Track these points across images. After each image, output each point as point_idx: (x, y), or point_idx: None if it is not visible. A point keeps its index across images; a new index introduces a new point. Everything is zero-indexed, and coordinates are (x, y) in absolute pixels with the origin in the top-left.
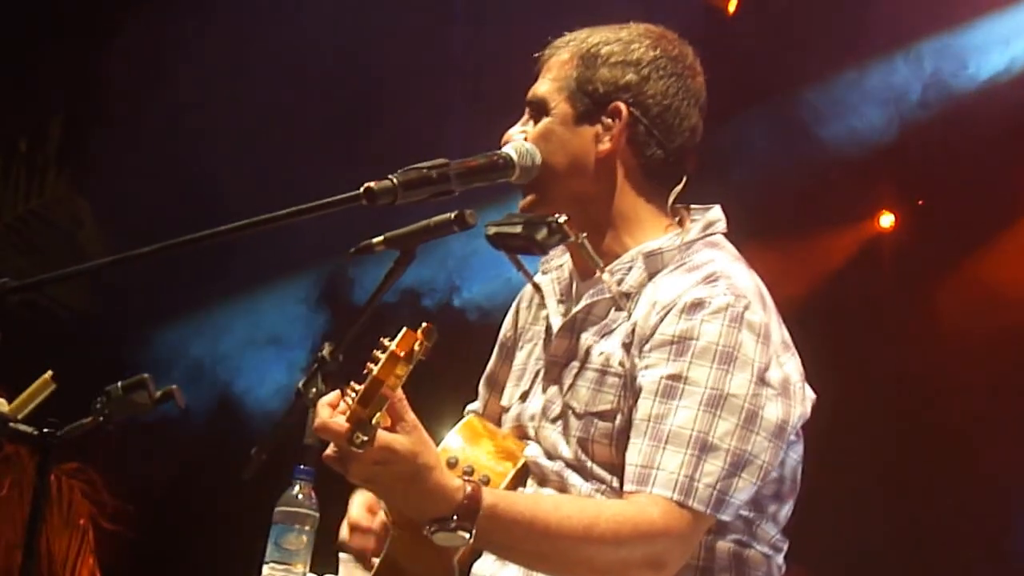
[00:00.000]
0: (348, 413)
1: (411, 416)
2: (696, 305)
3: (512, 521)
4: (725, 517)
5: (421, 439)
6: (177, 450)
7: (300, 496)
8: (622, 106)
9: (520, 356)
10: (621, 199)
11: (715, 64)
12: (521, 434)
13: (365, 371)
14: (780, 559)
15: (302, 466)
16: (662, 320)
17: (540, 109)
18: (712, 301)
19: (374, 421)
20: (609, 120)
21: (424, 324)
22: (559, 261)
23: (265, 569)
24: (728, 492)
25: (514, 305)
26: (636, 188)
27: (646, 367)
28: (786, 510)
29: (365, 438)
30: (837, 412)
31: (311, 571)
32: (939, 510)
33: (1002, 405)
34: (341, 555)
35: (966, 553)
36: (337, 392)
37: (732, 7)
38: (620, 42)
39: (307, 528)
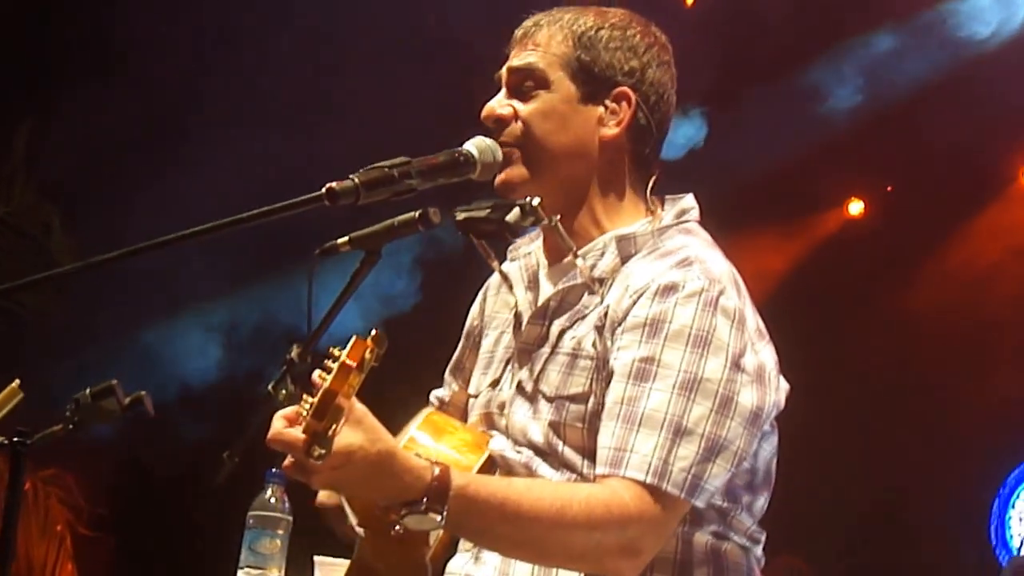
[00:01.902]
0: (304, 426)
1: (357, 407)
2: (670, 288)
3: (483, 502)
4: (699, 503)
5: (372, 427)
6: (152, 453)
7: (273, 500)
8: (629, 91)
9: (487, 343)
10: (609, 185)
11: (678, 56)
12: (489, 422)
13: (317, 382)
14: (759, 551)
15: (274, 469)
16: (635, 303)
17: (535, 81)
18: (686, 285)
19: (330, 433)
20: (614, 104)
21: (373, 331)
22: (527, 248)
23: (240, 574)
24: (702, 477)
25: (480, 293)
26: (625, 175)
27: (618, 349)
28: (761, 502)
29: (324, 451)
30: (810, 399)
31: (286, 575)
32: (914, 491)
33: (973, 386)
34: (316, 558)
35: (939, 532)
36: (295, 408)
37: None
38: (615, 27)
39: (280, 532)
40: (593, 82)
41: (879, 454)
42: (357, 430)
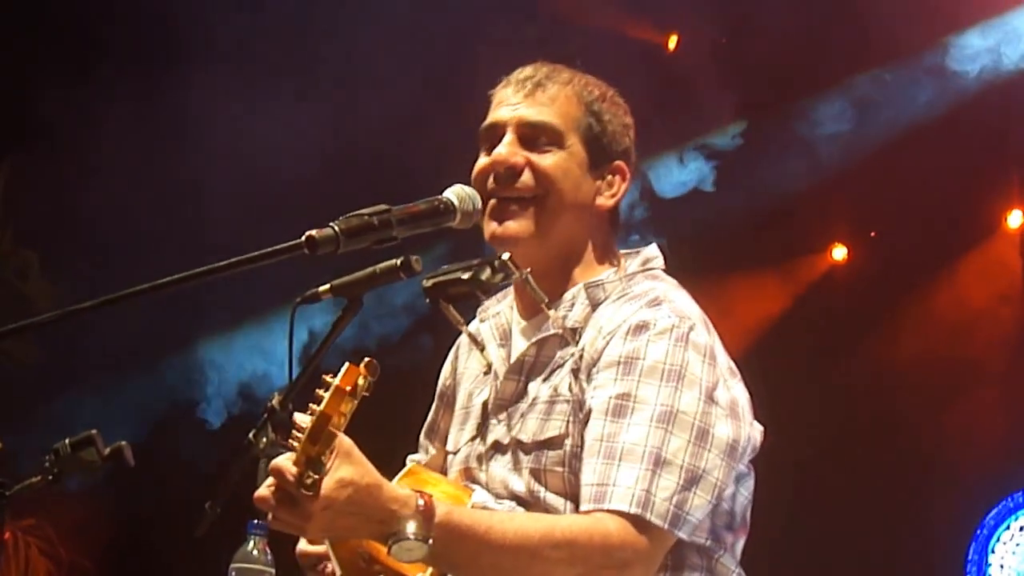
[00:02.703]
0: (297, 453)
1: (345, 441)
2: (641, 327)
3: (468, 529)
4: (682, 534)
5: (360, 459)
6: (132, 503)
7: (255, 552)
8: (624, 167)
9: (461, 398)
10: (591, 249)
11: (660, 100)
12: (469, 477)
13: (310, 411)
14: None
15: (256, 521)
16: (608, 344)
17: (547, 138)
18: (657, 322)
19: (324, 459)
20: (611, 177)
21: (366, 359)
22: (496, 308)
23: None
24: (684, 508)
25: (451, 354)
26: (604, 238)
27: (594, 388)
28: (739, 544)
29: (316, 477)
30: (793, 443)
31: None
32: (899, 532)
33: (956, 430)
34: None
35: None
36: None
37: (672, 44)
38: (614, 102)
39: None
40: (599, 152)
41: (860, 499)
42: (347, 463)
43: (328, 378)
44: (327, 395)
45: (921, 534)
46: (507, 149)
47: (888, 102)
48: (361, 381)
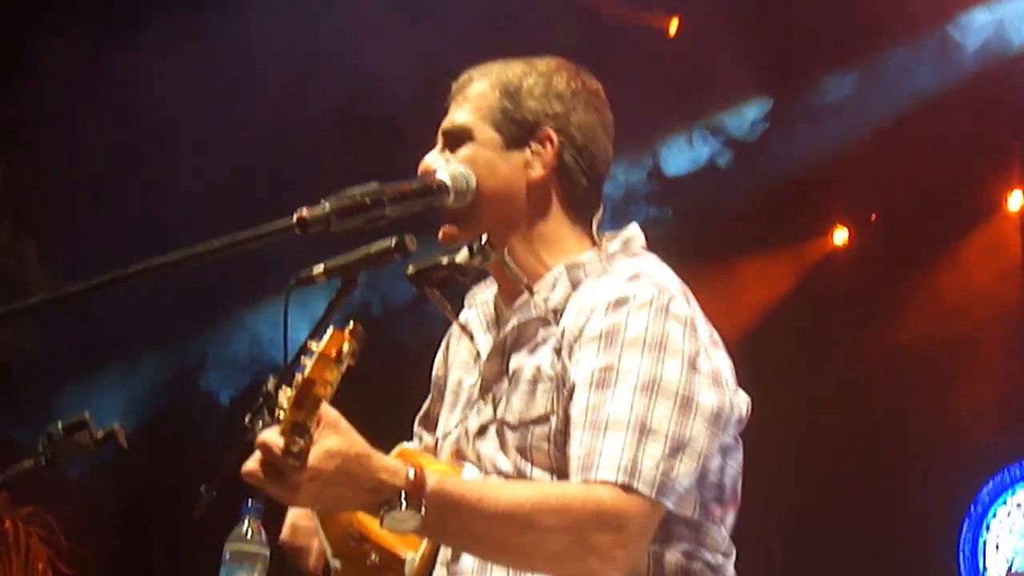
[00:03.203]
0: (283, 422)
1: (330, 412)
2: (621, 301)
3: (460, 497)
4: (669, 503)
5: (347, 429)
6: (132, 490)
7: (250, 533)
8: (552, 133)
9: (451, 383)
10: (546, 224)
11: (660, 85)
12: (460, 458)
13: (295, 383)
14: (730, 568)
15: (251, 502)
16: (589, 320)
17: (461, 137)
18: (637, 295)
19: (310, 425)
20: (539, 147)
21: (351, 323)
22: (483, 296)
23: None
24: (671, 475)
25: (443, 344)
26: (561, 214)
27: (577, 364)
28: (730, 518)
29: (302, 442)
30: (797, 425)
31: None
32: (896, 510)
33: (956, 407)
34: None
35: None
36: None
37: (673, 28)
38: (541, 75)
39: (258, 566)
40: (516, 128)
41: (861, 478)
42: (335, 434)
43: (312, 344)
44: (310, 361)
45: (918, 512)
46: (430, 158)
47: (889, 83)
48: (346, 347)
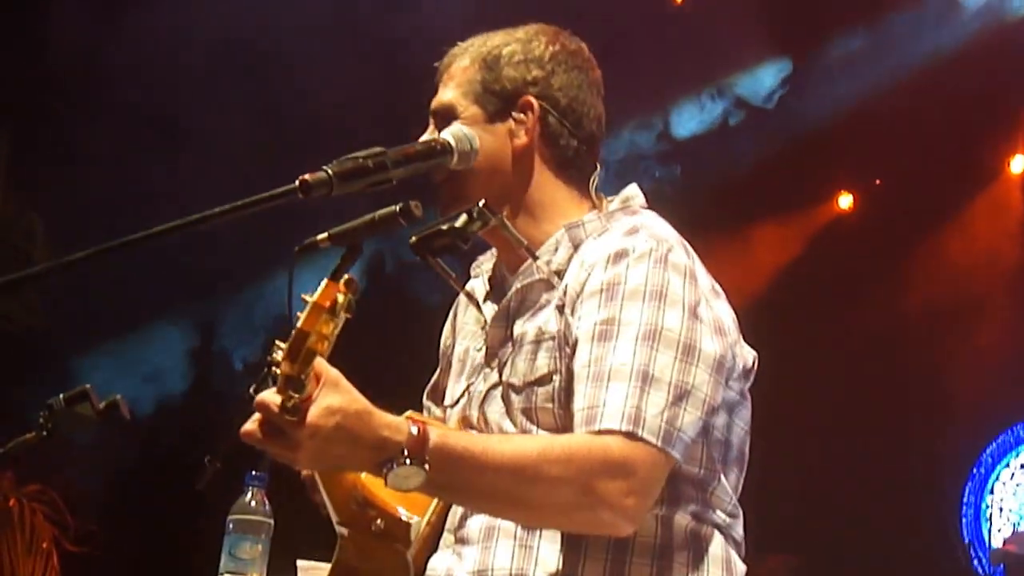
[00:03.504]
0: (279, 377)
1: (331, 371)
2: (620, 254)
3: (464, 450)
4: (676, 453)
5: (348, 388)
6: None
7: (253, 503)
8: (532, 100)
9: (457, 352)
10: (540, 190)
11: (666, 51)
12: (466, 426)
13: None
14: (739, 529)
15: (254, 472)
16: (589, 275)
17: (447, 115)
18: (636, 248)
19: (303, 378)
20: (521, 115)
21: (346, 276)
22: (487, 265)
23: None
24: (675, 424)
25: (450, 314)
26: (553, 178)
27: (579, 319)
28: (735, 478)
29: (297, 396)
30: (801, 388)
31: None
32: (898, 472)
33: (959, 368)
34: (299, 563)
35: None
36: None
37: None
38: (519, 42)
39: (262, 536)
40: (497, 99)
41: (864, 442)
42: (335, 392)
43: (306, 296)
44: (304, 312)
45: (920, 476)
46: (423, 138)
47: (893, 48)
48: (341, 298)
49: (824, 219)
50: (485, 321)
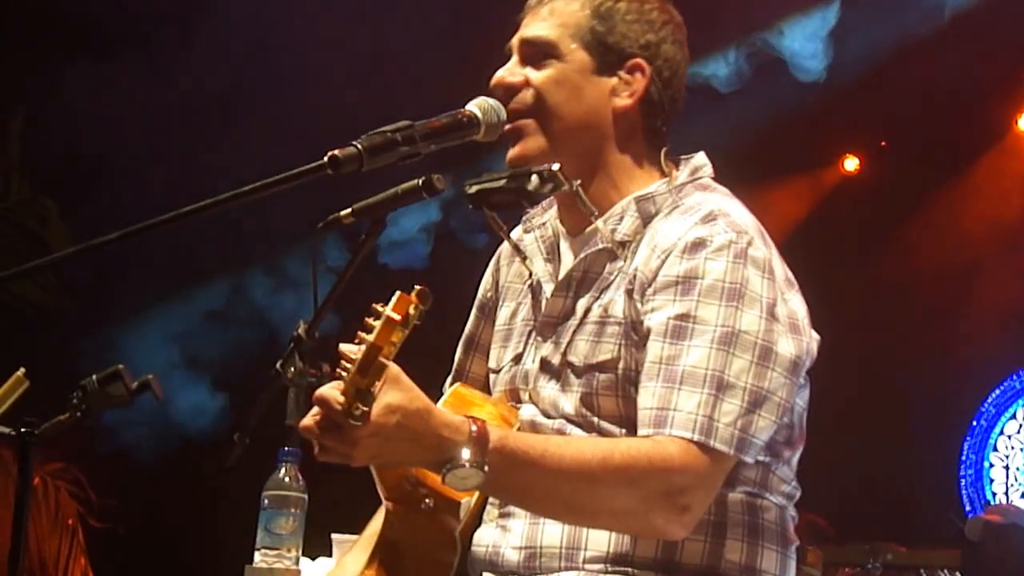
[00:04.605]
0: (346, 383)
1: (392, 367)
2: (698, 244)
3: (523, 455)
4: (747, 458)
5: (409, 385)
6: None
7: (287, 479)
8: (644, 63)
9: (503, 315)
10: (622, 155)
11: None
12: (514, 398)
13: (358, 340)
14: (792, 509)
15: (287, 448)
16: (664, 262)
17: (545, 52)
18: (714, 239)
19: (373, 390)
20: (628, 76)
21: (418, 287)
22: (541, 219)
23: (257, 556)
24: (749, 431)
25: (492, 263)
26: (637, 146)
27: (652, 310)
28: (796, 456)
29: (366, 408)
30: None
31: (303, 554)
32: (906, 436)
33: (965, 331)
34: (334, 536)
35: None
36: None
37: None
38: (632, 0)
39: (296, 511)
40: (608, 53)
41: (870, 404)
42: (395, 389)
43: (379, 307)
44: (378, 325)
45: (923, 434)
46: (506, 71)
47: (895, 11)
48: (412, 310)
49: (830, 182)
50: (537, 281)
